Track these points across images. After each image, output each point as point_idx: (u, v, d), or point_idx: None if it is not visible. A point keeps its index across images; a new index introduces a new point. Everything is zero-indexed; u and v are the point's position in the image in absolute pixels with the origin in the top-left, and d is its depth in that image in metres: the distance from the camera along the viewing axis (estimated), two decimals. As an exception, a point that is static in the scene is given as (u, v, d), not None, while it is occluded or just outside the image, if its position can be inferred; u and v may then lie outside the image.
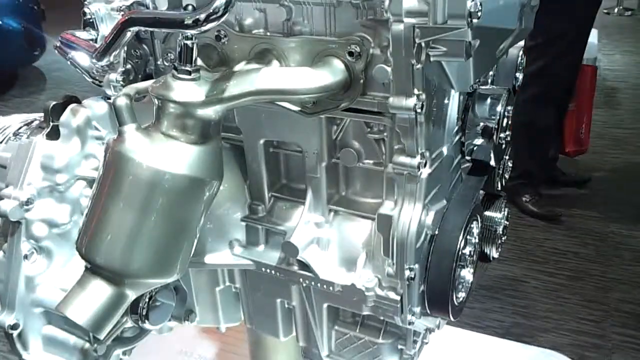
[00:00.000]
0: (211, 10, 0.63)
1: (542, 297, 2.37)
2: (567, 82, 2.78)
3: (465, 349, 1.75)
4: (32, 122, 1.02)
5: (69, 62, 0.91)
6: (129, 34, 0.70)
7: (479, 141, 0.98)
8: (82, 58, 0.90)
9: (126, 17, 0.68)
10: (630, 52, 5.42)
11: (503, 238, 1.09)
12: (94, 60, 0.76)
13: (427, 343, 1.07)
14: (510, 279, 2.46)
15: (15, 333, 0.90)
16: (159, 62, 0.91)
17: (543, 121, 2.76)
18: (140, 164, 0.69)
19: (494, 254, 1.09)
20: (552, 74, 2.61)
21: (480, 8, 0.63)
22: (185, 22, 0.64)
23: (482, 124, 0.96)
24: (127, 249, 0.71)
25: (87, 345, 0.94)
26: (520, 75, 1.07)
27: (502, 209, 1.08)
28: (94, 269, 0.73)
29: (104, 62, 0.76)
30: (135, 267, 0.72)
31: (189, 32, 0.66)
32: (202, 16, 0.63)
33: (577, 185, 3.15)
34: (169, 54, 0.89)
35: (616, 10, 6.67)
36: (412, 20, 0.66)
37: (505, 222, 1.09)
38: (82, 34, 0.89)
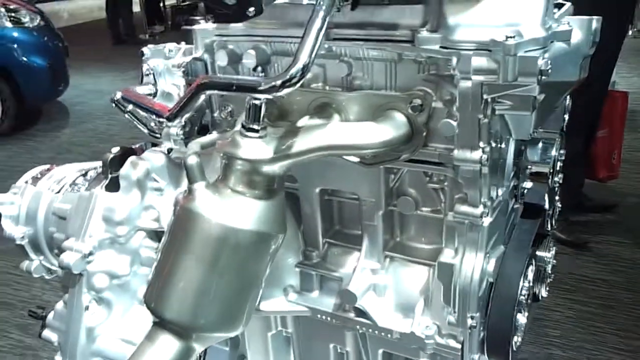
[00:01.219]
0: (287, 77, 0.64)
1: (575, 327, 2.33)
2: (594, 110, 2.77)
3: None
4: (87, 172, 1.03)
5: (126, 115, 0.93)
6: (202, 97, 0.71)
7: (529, 184, 0.98)
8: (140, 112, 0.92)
9: (201, 81, 0.69)
10: (647, 74, 5.40)
11: (552, 277, 1.09)
12: (163, 121, 0.78)
13: (479, 386, 1.06)
14: (542, 307, 2.42)
15: (76, 385, 0.91)
16: (215, 115, 0.93)
17: (571, 151, 2.74)
18: (210, 221, 0.71)
19: (544, 293, 1.08)
20: (579, 103, 2.59)
21: (550, 66, 0.64)
22: (262, 88, 0.65)
23: (531, 167, 0.97)
24: (196, 303, 0.72)
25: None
26: (567, 117, 1.07)
27: (551, 248, 1.08)
28: (162, 324, 0.74)
29: (176, 123, 0.77)
30: (204, 322, 0.73)
31: (264, 97, 0.67)
32: (279, 83, 0.64)
33: (604, 210, 3.12)
34: (226, 107, 0.90)
35: (630, 32, 6.67)
36: (480, 78, 0.67)
37: (554, 260, 1.09)
38: (142, 89, 0.91)
